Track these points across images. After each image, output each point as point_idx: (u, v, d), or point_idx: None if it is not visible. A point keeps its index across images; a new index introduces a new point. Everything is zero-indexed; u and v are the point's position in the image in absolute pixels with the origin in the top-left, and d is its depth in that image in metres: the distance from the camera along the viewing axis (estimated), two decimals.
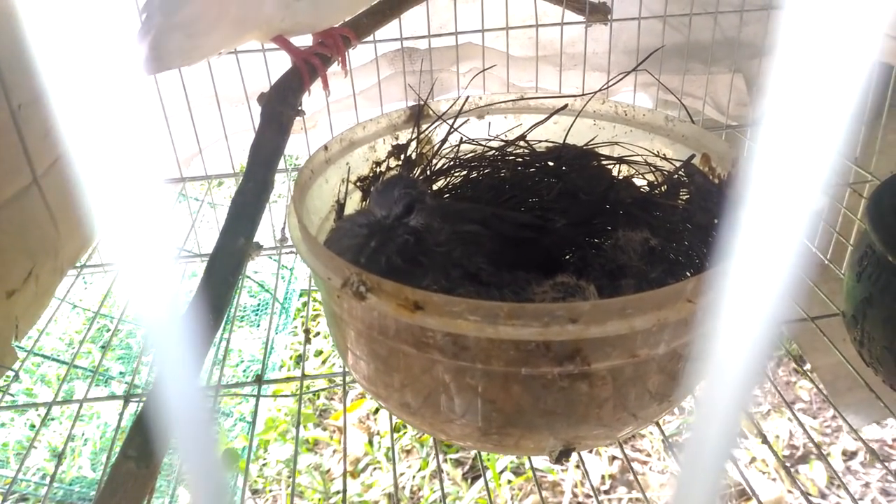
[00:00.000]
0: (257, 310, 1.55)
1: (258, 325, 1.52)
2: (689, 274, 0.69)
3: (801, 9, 0.14)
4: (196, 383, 0.20)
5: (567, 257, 0.74)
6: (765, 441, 0.70)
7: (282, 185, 1.18)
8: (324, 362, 1.63)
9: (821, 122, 0.14)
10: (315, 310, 1.64)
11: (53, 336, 1.44)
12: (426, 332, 0.50)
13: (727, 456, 0.18)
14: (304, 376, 0.78)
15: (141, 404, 0.72)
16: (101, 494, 0.45)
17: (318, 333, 1.69)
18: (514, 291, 0.59)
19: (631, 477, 1.36)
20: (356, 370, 0.61)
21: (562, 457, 0.56)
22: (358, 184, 0.75)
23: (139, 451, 0.46)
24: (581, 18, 1.01)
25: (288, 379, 1.12)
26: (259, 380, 0.76)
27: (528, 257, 0.67)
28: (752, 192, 0.16)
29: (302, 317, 1.57)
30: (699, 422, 0.18)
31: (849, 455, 1.43)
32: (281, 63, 0.82)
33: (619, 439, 0.65)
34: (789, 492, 1.32)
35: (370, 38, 0.90)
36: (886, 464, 1.31)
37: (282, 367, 1.56)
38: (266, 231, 1.03)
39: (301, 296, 1.58)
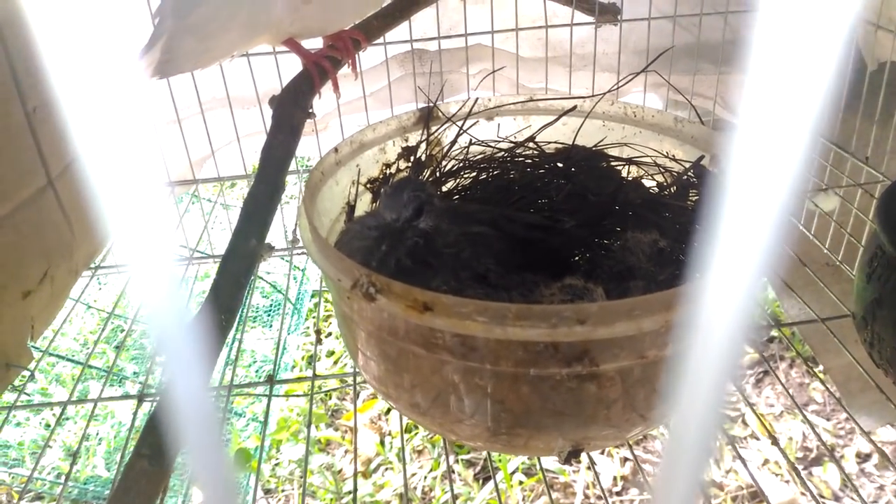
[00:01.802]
0: (269, 310, 1.56)
1: (270, 326, 1.53)
2: (697, 276, 0.69)
3: (779, 5, 0.14)
4: (206, 386, 0.20)
5: (576, 258, 0.74)
6: (775, 443, 0.70)
7: (293, 187, 1.19)
8: (335, 362, 1.64)
9: (799, 117, 0.15)
10: (327, 310, 1.65)
11: (68, 336, 1.46)
12: (435, 332, 0.51)
13: (705, 460, 0.19)
14: (315, 377, 0.78)
15: (154, 404, 0.73)
16: (115, 492, 0.46)
17: (329, 334, 1.70)
18: (522, 293, 0.59)
19: (642, 478, 1.36)
20: (366, 371, 0.62)
21: (571, 457, 0.57)
22: (368, 185, 0.76)
23: (153, 450, 0.46)
24: (591, 19, 1.01)
25: (300, 379, 1.12)
26: (271, 380, 0.77)
27: (536, 259, 0.67)
28: (730, 190, 0.16)
29: (314, 317, 1.57)
30: (677, 424, 0.19)
31: (863, 457, 1.42)
32: (292, 65, 0.83)
33: (629, 440, 0.65)
34: (802, 494, 1.31)
35: (380, 40, 0.90)
36: None
37: (294, 367, 1.56)
38: (278, 232, 1.03)
39: (313, 296, 1.59)
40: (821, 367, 1.18)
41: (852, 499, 1.32)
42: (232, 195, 1.54)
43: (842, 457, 1.41)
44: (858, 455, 1.42)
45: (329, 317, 1.70)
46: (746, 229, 0.16)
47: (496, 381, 0.53)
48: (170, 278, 0.18)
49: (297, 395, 1.40)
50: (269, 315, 1.55)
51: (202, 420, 0.20)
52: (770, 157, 0.15)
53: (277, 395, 0.73)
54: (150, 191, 0.17)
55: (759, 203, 0.16)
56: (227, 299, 0.55)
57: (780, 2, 0.14)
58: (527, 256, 0.67)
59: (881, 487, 1.37)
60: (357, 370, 0.67)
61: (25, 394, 0.74)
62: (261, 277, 1.40)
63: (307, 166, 1.15)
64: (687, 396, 0.18)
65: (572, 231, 0.72)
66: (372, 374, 0.61)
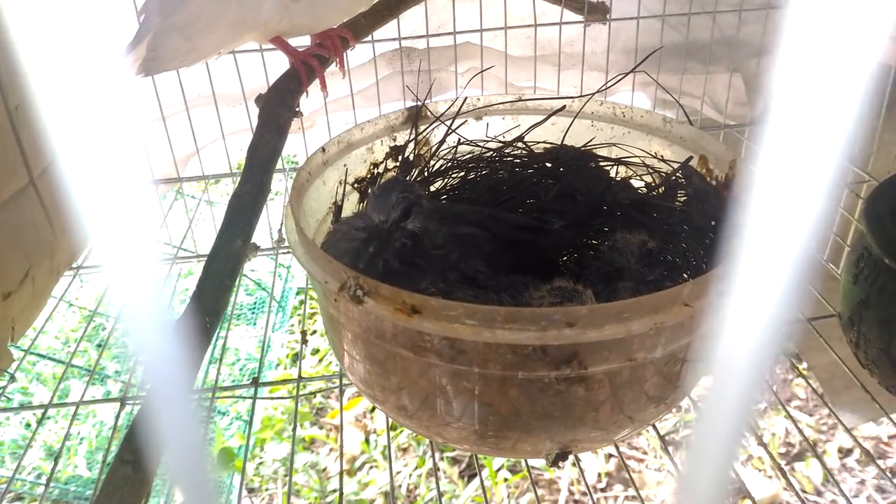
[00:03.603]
0: (254, 308, 1.54)
1: (255, 324, 1.51)
2: (686, 276, 0.69)
3: (803, 8, 0.14)
4: (189, 390, 0.19)
5: (565, 259, 0.74)
6: (760, 443, 0.70)
7: (279, 184, 1.18)
8: (320, 360, 1.63)
9: (824, 122, 0.14)
10: (312, 307, 1.64)
11: (49, 334, 1.44)
12: (423, 335, 0.50)
13: (732, 459, 0.18)
14: (300, 377, 0.78)
15: (136, 407, 0.72)
16: (98, 498, 0.45)
17: (314, 332, 1.69)
18: (511, 295, 0.59)
19: (627, 475, 1.36)
20: (352, 373, 0.61)
21: (558, 460, 0.56)
22: (355, 185, 0.75)
23: (135, 456, 0.46)
24: (580, 18, 1.00)
25: (285, 381, 1.11)
26: (255, 382, 0.76)
27: (525, 260, 0.67)
28: (754, 194, 0.15)
29: (299, 315, 1.56)
30: (703, 425, 0.18)
31: (844, 452, 1.44)
32: (279, 63, 0.82)
33: (616, 441, 0.65)
34: (785, 489, 1.32)
35: (368, 37, 0.89)
36: (881, 462, 1.32)
37: (279, 365, 1.55)
38: (263, 230, 1.02)
39: (298, 294, 1.58)
40: (804, 364, 1.19)
41: (834, 493, 1.33)
42: (216, 191, 1.53)
43: (824, 452, 1.42)
44: (840, 450, 1.44)
45: (314, 314, 1.69)
46: (779, 239, 0.16)
47: (484, 384, 0.53)
48: (152, 281, 0.17)
49: (282, 397, 1.39)
50: (253, 313, 1.54)
51: (184, 425, 0.20)
52: (793, 169, 0.15)
53: (261, 398, 0.72)
54: (133, 190, 0.16)
55: (787, 216, 0.16)
56: (211, 301, 0.54)
57: (808, 9, 0.14)
58: (516, 258, 0.66)
59: (862, 482, 1.38)
60: (343, 371, 0.67)
61: (6, 395, 0.73)
62: (245, 275, 1.38)
63: (294, 164, 1.14)
64: (716, 393, 0.18)
65: (561, 232, 0.72)
66: (358, 377, 0.61)
